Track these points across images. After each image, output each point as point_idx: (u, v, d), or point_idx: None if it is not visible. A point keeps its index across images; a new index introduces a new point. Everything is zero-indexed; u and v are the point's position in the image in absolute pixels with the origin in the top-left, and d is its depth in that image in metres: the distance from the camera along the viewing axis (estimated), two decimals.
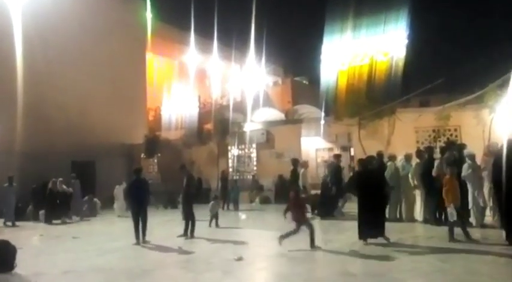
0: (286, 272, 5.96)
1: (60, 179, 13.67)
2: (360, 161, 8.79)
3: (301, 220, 7.24)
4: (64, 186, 13.64)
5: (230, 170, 19.20)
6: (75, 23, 18.95)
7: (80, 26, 19.21)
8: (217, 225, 10.58)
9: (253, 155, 18.95)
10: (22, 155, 15.04)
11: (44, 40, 17.12)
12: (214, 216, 10.66)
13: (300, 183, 11.60)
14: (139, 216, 8.84)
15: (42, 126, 16.89)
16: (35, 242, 10.03)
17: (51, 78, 17.66)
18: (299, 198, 7.52)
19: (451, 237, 7.36)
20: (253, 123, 20.08)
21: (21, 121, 15.88)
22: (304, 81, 35.14)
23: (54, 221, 13.07)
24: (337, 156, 12.66)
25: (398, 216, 10.39)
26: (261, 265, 6.64)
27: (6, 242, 2.66)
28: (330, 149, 20.87)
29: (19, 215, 13.37)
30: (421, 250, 7.08)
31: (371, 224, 7.45)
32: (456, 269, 5.75)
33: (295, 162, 12.70)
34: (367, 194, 7.53)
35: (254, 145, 18.96)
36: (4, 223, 12.81)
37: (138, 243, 8.63)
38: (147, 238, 8.82)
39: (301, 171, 12.29)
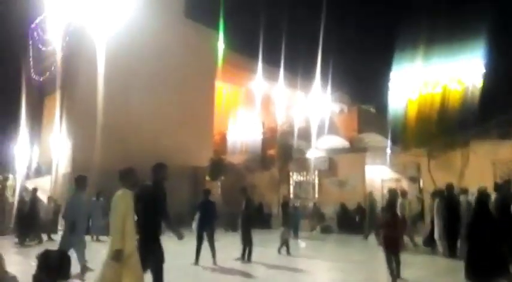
0: None
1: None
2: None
3: (397, 247, 6.60)
4: None
5: (291, 196, 19.13)
6: (153, 51, 20.48)
7: (157, 54, 20.72)
8: (288, 252, 10.30)
9: (316, 182, 18.74)
10: (100, 173, 16.20)
11: (125, 67, 18.68)
12: (285, 242, 10.41)
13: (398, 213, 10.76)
14: (203, 238, 9.06)
15: (118, 147, 18.10)
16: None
17: (129, 102, 19.11)
18: (398, 221, 6.80)
19: None
20: (317, 150, 19.96)
21: (100, 141, 17.19)
22: (371, 109, 34.38)
23: None
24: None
25: None
26: None
27: (63, 252, 2.69)
28: (397, 180, 20.05)
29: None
30: None
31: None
32: None
33: (393, 192, 11.64)
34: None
35: (316, 172, 18.77)
36: (92, 237, 12.95)
37: (196, 263, 8.79)
38: (205, 260, 8.92)
39: (399, 200, 11.73)
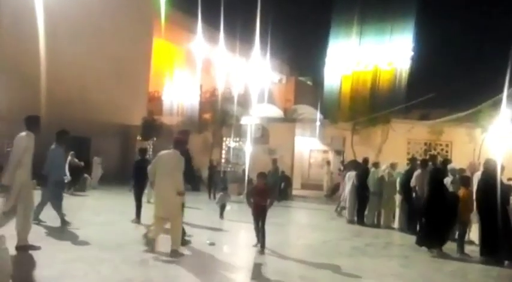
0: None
1: (72, 152, 13.99)
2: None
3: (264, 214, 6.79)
4: (75, 160, 13.95)
5: (223, 160, 19.52)
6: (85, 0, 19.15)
7: (92, 2, 19.42)
8: (221, 216, 10.30)
9: (247, 148, 19.23)
10: (16, 124, 15.24)
11: (53, 11, 17.34)
12: (222, 207, 10.44)
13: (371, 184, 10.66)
14: (141, 196, 9.28)
15: (41, 98, 17.02)
16: None
17: (55, 51, 17.85)
18: (267, 190, 6.94)
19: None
20: (251, 118, 20.35)
21: (21, 91, 16.15)
22: (309, 82, 35.35)
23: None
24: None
25: (375, 222, 10.74)
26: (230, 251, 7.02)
27: None
28: (325, 151, 21.24)
29: None
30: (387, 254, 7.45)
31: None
32: (412, 274, 6.12)
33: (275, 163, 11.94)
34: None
35: (249, 139, 19.22)
36: None
37: (138, 221, 8.89)
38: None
39: (324, 169, 12.30)
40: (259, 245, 6.87)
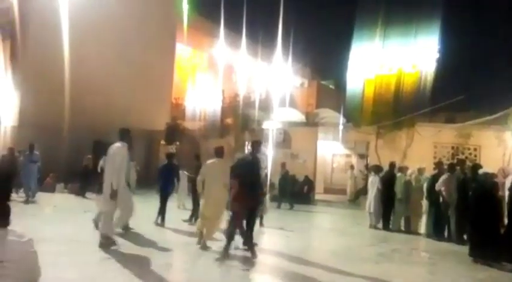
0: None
1: (89, 156, 14.36)
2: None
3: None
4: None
5: None
6: (112, 6, 19.62)
7: (116, 9, 19.88)
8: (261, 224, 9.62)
9: (269, 153, 19.25)
10: (44, 129, 15.70)
11: (81, 21, 17.85)
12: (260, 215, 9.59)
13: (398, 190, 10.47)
14: (168, 197, 9.61)
15: (69, 104, 17.49)
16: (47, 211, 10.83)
17: (83, 58, 18.39)
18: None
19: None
20: (273, 122, 20.40)
21: (48, 97, 16.63)
22: (331, 86, 35.14)
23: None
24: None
25: (401, 227, 10.54)
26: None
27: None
28: (348, 156, 21.05)
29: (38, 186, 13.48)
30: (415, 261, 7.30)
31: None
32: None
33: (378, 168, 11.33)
34: None
35: (271, 143, 19.25)
36: (26, 198, 11.88)
37: (163, 224, 9.18)
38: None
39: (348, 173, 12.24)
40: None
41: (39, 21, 17.38)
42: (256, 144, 7.08)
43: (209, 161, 7.22)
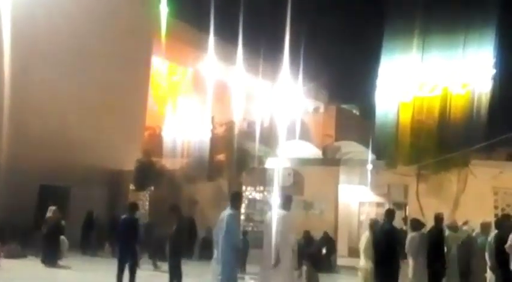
0: None
1: (53, 207, 14.16)
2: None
3: None
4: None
5: (242, 217, 19.26)
6: (67, 9, 19.84)
7: (74, 14, 20.09)
8: None
9: (275, 201, 18.98)
10: None
11: (29, 32, 18.01)
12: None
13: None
14: (125, 264, 9.47)
15: (11, 134, 17.32)
16: None
17: (32, 79, 18.44)
18: None
19: None
20: (280, 160, 20.22)
21: None
22: (354, 111, 35.29)
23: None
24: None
25: None
26: None
27: None
28: (379, 205, 20.72)
29: None
30: None
31: None
32: None
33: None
34: None
35: (277, 188, 19.00)
36: None
37: None
38: None
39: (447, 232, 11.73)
40: None
41: None
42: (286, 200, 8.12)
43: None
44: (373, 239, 10.35)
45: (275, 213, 7.84)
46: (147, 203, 20.74)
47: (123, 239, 9.72)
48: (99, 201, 20.15)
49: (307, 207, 17.63)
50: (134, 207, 10.39)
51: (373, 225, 11.13)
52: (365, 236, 10.91)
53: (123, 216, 10.13)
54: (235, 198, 7.99)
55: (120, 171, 21.06)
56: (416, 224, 10.90)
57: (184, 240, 10.04)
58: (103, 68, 21.07)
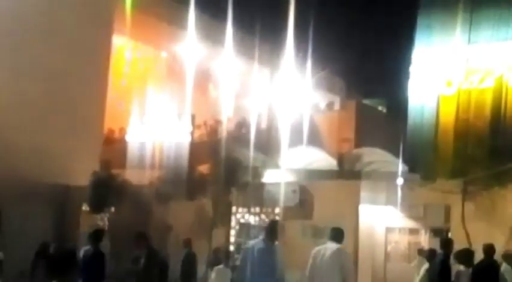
0: None
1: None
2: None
3: None
4: None
5: (232, 248, 19.23)
6: None
7: None
8: None
9: (275, 227, 18.95)
10: None
11: None
12: None
13: None
14: None
15: None
16: None
17: None
18: None
19: None
20: (281, 172, 20.18)
21: None
22: (380, 108, 35.33)
23: None
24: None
25: None
26: None
27: None
28: (413, 231, 20.71)
29: None
30: None
31: None
32: None
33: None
34: None
35: (278, 209, 18.96)
36: None
37: None
38: None
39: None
40: None
41: None
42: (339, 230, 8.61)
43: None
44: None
45: (325, 248, 8.24)
46: (106, 230, 20.65)
47: (87, 275, 9.68)
48: (41, 226, 20.03)
49: (318, 235, 17.49)
50: (99, 236, 10.39)
51: (430, 256, 11.28)
52: (424, 269, 11.03)
53: (84, 248, 10.07)
54: (272, 228, 8.28)
55: (69, 187, 20.95)
56: (466, 257, 10.87)
57: (154, 278, 10.01)
58: (48, 51, 21.00)
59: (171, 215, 19.51)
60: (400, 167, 19.37)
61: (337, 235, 8.40)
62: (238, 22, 24.52)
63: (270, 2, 23.53)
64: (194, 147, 23.11)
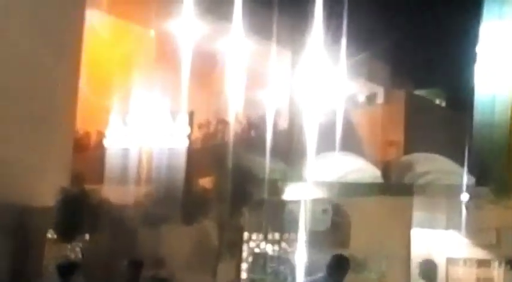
0: None
1: None
2: None
3: None
4: None
5: None
6: None
7: None
8: None
9: (300, 258, 18.98)
10: None
11: None
12: None
13: None
14: None
15: None
16: None
17: None
18: None
19: None
20: (307, 186, 20.20)
21: None
22: (438, 101, 35.34)
23: None
24: None
25: None
26: None
27: None
28: (482, 263, 20.65)
29: None
30: None
31: None
32: None
33: None
34: None
35: (304, 236, 18.95)
36: None
37: None
38: None
39: None
40: None
41: None
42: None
43: None
44: None
45: None
46: (78, 263, 20.78)
47: None
48: None
49: (358, 268, 17.51)
50: (69, 271, 10.71)
51: None
52: None
53: None
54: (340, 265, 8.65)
55: (30, 209, 21.08)
56: None
57: None
58: (4, 35, 21.19)
59: (163, 245, 19.54)
60: (465, 178, 19.27)
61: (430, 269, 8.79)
62: None
63: None
64: (193, 154, 23.22)
